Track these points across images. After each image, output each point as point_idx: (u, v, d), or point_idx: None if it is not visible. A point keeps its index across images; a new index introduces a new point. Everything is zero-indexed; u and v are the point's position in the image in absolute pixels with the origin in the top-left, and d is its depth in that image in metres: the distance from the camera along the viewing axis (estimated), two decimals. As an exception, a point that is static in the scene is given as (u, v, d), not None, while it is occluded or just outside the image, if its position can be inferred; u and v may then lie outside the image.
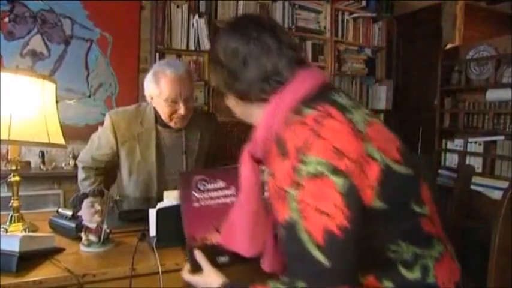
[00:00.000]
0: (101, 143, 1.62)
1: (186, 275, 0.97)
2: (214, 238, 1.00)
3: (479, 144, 3.23)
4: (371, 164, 0.73)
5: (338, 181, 0.69)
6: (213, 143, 1.74)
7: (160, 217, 1.14)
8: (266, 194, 0.90)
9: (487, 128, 3.25)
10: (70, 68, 3.04)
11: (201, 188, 1.01)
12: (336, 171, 0.69)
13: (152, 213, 1.15)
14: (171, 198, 1.21)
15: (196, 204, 1.01)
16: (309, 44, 3.68)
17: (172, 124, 1.58)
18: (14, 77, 1.26)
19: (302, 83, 0.80)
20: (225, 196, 1.02)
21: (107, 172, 1.70)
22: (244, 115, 0.91)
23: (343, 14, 3.79)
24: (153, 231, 1.15)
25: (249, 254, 0.93)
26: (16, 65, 2.80)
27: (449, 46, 3.57)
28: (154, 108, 1.59)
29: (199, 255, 0.97)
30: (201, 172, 1.05)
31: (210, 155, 1.75)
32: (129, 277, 1.01)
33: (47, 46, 2.98)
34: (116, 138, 1.58)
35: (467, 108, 3.40)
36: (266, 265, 0.96)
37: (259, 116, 0.84)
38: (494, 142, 3.13)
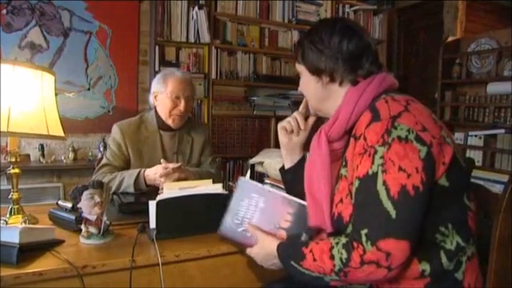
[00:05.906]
0: (113, 150, 1.73)
1: (248, 250, 1.06)
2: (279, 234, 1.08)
3: (480, 138, 3.22)
4: (446, 145, 0.84)
5: (422, 149, 0.80)
6: (204, 150, 1.90)
7: (160, 209, 1.14)
8: None
9: (487, 121, 3.24)
10: (69, 61, 3.03)
11: (238, 221, 1.12)
12: (421, 140, 0.80)
13: (152, 205, 1.15)
14: (171, 189, 1.21)
15: (248, 235, 1.10)
16: (309, 36, 3.66)
17: (170, 122, 1.75)
18: (13, 68, 1.25)
19: (385, 78, 0.95)
20: (255, 206, 1.11)
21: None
22: (320, 94, 1.01)
23: (343, 6, 3.76)
24: (152, 223, 1.15)
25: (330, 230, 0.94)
26: (14, 58, 2.79)
27: (450, 39, 3.54)
28: (156, 114, 1.77)
29: (251, 228, 1.08)
30: (230, 213, 1.13)
31: (206, 158, 1.90)
32: (129, 269, 1.01)
33: (45, 38, 2.96)
34: (125, 143, 1.72)
35: (468, 101, 3.39)
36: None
37: (339, 96, 0.97)
38: (495, 136, 3.13)
